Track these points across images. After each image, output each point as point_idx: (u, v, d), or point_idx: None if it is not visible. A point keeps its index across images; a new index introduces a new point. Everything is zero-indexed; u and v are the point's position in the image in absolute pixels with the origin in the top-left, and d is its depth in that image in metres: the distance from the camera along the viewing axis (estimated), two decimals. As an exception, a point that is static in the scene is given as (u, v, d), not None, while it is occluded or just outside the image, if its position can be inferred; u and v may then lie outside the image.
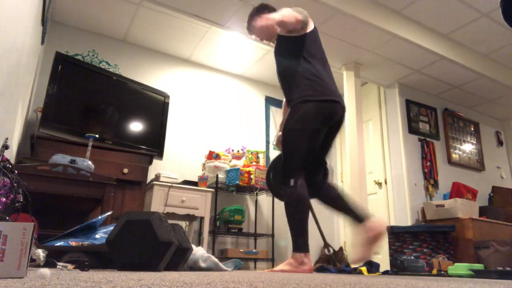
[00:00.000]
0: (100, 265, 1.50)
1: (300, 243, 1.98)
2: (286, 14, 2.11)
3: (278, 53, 2.35)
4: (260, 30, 2.26)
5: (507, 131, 5.75)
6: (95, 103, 3.34)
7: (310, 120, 2.11)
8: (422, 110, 4.73)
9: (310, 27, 2.28)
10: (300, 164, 2.10)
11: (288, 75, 2.27)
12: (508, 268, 2.67)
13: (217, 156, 3.87)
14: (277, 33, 2.35)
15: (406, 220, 4.08)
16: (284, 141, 2.18)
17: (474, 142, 5.22)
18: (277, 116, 4.91)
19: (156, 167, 3.74)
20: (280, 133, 2.32)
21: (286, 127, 2.18)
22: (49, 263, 1.25)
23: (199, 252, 1.82)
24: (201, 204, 3.47)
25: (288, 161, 2.12)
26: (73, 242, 1.61)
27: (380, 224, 2.02)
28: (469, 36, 4.01)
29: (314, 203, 4.26)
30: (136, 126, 3.54)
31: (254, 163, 4.13)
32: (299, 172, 2.08)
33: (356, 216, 2.07)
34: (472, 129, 5.26)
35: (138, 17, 3.72)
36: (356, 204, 2.14)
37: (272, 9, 2.41)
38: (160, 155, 3.60)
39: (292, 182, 2.04)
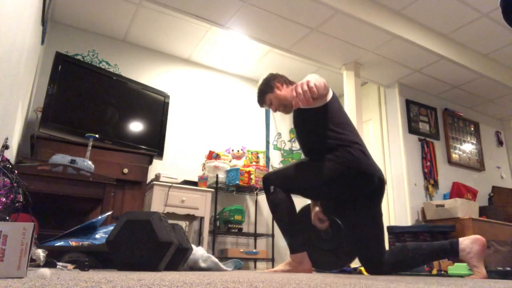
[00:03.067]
0: (100, 265, 1.50)
1: (293, 245, 1.99)
2: (318, 79, 1.85)
3: (300, 126, 2.15)
4: (279, 99, 2.18)
5: (507, 131, 5.75)
6: (95, 103, 3.34)
7: (334, 180, 1.95)
8: (422, 110, 4.73)
9: (330, 93, 2.10)
10: (293, 188, 2.05)
11: (317, 150, 2.06)
12: (508, 268, 2.66)
13: (217, 156, 3.87)
14: (288, 104, 2.18)
15: (406, 220, 4.08)
16: (303, 165, 2.06)
17: (474, 142, 5.22)
18: (277, 116, 4.91)
19: (156, 167, 3.74)
20: (318, 210, 2.20)
21: (317, 175, 2.00)
22: (49, 263, 1.25)
23: (199, 252, 1.82)
24: (201, 204, 3.47)
25: (284, 175, 2.07)
26: (73, 242, 1.61)
27: (472, 240, 1.89)
28: (469, 36, 4.01)
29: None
30: (136, 126, 3.54)
31: (254, 163, 4.13)
32: (286, 188, 2.03)
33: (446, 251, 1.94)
34: (472, 129, 5.26)
35: (138, 17, 3.72)
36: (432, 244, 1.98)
37: (281, 77, 2.26)
38: (160, 155, 3.60)
39: (272, 189, 2.04)
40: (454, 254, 1.91)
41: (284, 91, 2.21)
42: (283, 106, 2.23)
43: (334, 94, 2.12)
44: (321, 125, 2.04)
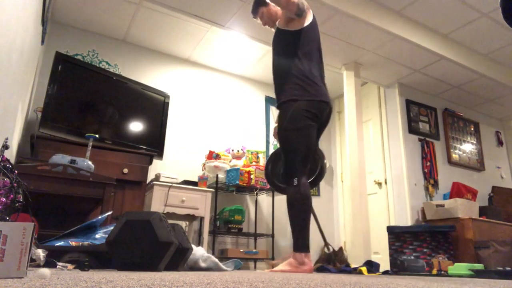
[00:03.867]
0: (100, 265, 1.50)
1: (300, 243, 1.98)
2: None
3: (274, 45, 2.38)
4: (270, 14, 2.37)
5: (507, 131, 5.75)
6: (95, 103, 3.34)
7: (301, 118, 2.13)
8: (422, 110, 4.73)
9: (308, 20, 2.28)
10: (302, 163, 2.12)
11: (280, 72, 2.29)
12: (508, 268, 2.67)
13: (217, 156, 3.87)
14: (276, 21, 2.38)
15: (406, 220, 4.08)
16: (282, 142, 2.20)
17: (474, 142, 5.22)
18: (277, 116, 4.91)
19: (156, 167, 3.74)
20: (276, 124, 2.39)
21: (281, 128, 2.21)
22: (49, 263, 1.25)
23: (199, 252, 1.82)
24: (201, 204, 3.47)
25: (290, 161, 2.13)
26: (73, 242, 1.61)
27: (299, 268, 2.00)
28: (469, 36, 4.01)
29: (314, 203, 4.21)
30: (136, 126, 3.54)
31: (254, 163, 4.13)
32: (302, 170, 2.09)
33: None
34: (472, 129, 5.26)
35: (138, 17, 3.72)
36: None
37: None
38: (160, 155, 3.60)
39: (295, 181, 2.04)
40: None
41: (276, 8, 2.40)
42: (272, 22, 2.42)
43: (313, 22, 2.30)
44: (291, 49, 2.24)
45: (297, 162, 2.11)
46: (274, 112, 4.91)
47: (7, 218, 1.25)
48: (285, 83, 2.23)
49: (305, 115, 2.14)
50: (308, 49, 2.25)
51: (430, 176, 4.46)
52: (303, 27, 2.24)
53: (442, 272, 2.91)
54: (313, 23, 2.32)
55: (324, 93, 2.22)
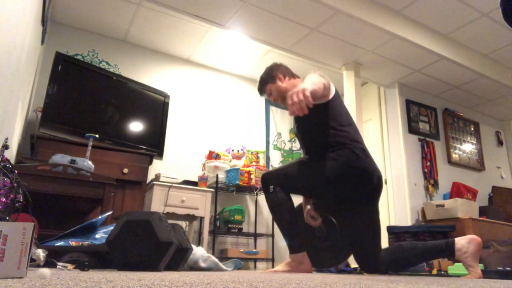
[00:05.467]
0: (100, 265, 1.50)
1: (293, 245, 1.98)
2: (317, 81, 1.81)
3: (302, 123, 2.14)
4: (279, 91, 2.16)
5: (507, 131, 5.75)
6: (95, 103, 3.34)
7: (343, 168, 1.93)
8: (422, 110, 4.73)
9: (333, 91, 2.08)
10: (288, 187, 2.02)
11: (317, 148, 2.06)
12: (508, 268, 2.66)
13: (217, 156, 3.87)
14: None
15: (406, 220, 4.08)
16: (304, 164, 2.03)
17: (474, 142, 5.22)
18: (277, 116, 4.91)
19: (156, 167, 3.74)
20: (310, 208, 2.20)
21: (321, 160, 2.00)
22: (49, 263, 1.25)
23: (199, 252, 1.82)
24: (201, 204, 3.47)
25: (283, 175, 2.03)
26: (73, 242, 1.61)
27: (468, 240, 1.88)
28: (469, 36, 4.01)
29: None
30: (136, 126, 3.54)
31: (254, 163, 4.13)
32: (281, 186, 2.02)
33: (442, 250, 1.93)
34: (472, 129, 5.26)
35: (138, 17, 3.72)
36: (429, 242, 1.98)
37: (284, 68, 2.27)
38: (160, 155, 3.60)
39: (271, 188, 2.02)
40: (450, 253, 1.90)
41: (285, 83, 2.18)
42: (282, 98, 2.18)
43: (336, 92, 2.11)
44: (321, 123, 2.03)
45: (294, 183, 2.00)
46: (274, 112, 4.91)
47: (7, 218, 1.25)
48: (327, 154, 2.00)
49: (349, 171, 1.92)
50: (341, 118, 2.05)
51: (430, 176, 4.46)
52: (329, 99, 2.04)
53: (442, 272, 2.91)
54: (337, 94, 2.13)
55: (368, 161, 1.99)
